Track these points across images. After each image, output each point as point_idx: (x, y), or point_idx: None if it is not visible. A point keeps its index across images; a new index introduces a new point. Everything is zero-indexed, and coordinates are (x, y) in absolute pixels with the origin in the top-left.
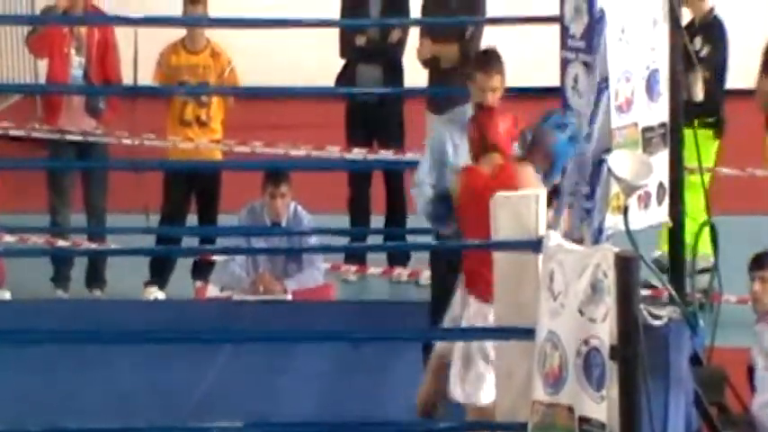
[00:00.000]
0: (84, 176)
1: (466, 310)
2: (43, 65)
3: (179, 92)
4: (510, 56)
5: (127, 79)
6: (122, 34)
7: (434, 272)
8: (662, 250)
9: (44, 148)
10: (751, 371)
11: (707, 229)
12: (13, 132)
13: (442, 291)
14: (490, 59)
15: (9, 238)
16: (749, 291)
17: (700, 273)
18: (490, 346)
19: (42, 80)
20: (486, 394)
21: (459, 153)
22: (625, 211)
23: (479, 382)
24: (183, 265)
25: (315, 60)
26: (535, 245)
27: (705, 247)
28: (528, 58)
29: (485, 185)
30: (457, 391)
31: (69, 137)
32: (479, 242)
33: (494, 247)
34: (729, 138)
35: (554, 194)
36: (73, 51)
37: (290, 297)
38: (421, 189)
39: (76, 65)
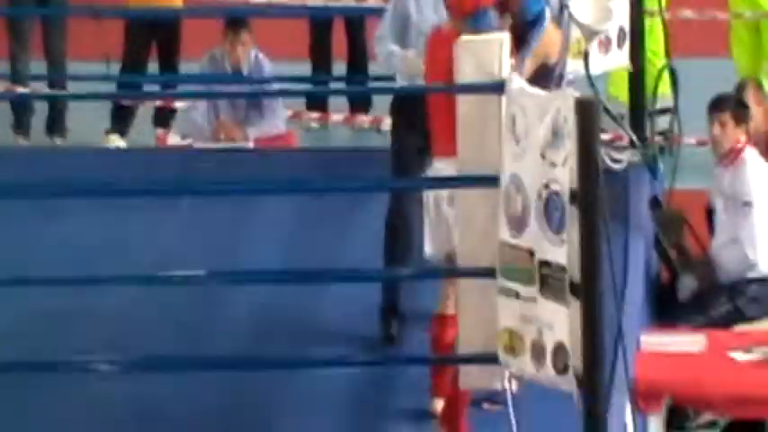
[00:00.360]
0: (44, 23)
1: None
2: None
3: None
4: None
5: None
6: None
7: (394, 127)
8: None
9: None
10: (709, 212)
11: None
12: None
13: (401, 147)
14: None
15: None
16: (708, 133)
17: (660, 113)
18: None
19: None
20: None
21: (422, 8)
22: (586, 55)
23: (449, 233)
24: (145, 114)
25: None
26: (498, 87)
27: (664, 87)
28: None
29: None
30: (427, 246)
31: None
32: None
33: (457, 91)
34: None
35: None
36: None
37: (251, 145)
38: (382, 44)
39: None
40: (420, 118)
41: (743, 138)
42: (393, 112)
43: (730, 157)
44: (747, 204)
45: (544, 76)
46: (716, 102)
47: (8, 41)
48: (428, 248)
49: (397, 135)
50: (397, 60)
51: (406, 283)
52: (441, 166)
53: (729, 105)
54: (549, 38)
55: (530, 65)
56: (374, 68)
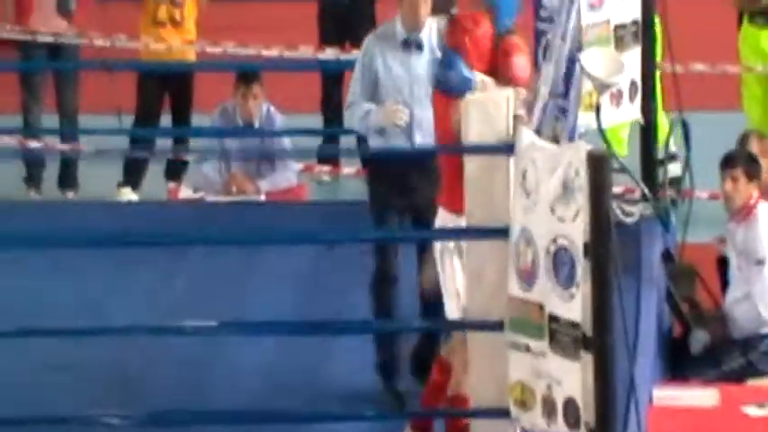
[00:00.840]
0: (56, 77)
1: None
2: None
3: None
4: None
5: None
6: None
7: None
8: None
9: (14, 49)
10: (719, 262)
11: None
12: None
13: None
14: None
15: None
16: (721, 189)
17: (669, 159)
18: None
19: None
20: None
21: (390, 66)
22: (597, 108)
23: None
24: (157, 166)
25: None
26: (507, 148)
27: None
28: None
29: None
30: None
31: (42, 38)
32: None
33: (465, 151)
34: (700, 33)
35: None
36: None
37: (263, 198)
38: (353, 109)
39: None
40: (398, 174)
41: (755, 193)
42: (368, 171)
43: (743, 212)
44: (761, 262)
45: None
46: (728, 158)
47: (21, 95)
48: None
49: (373, 193)
50: (375, 115)
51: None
52: (447, 218)
53: (741, 161)
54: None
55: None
56: None
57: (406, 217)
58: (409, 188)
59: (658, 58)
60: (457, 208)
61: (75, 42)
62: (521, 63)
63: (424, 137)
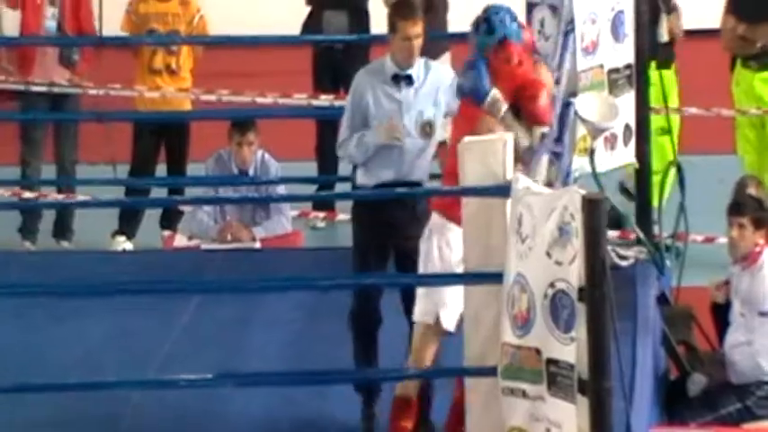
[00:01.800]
0: (56, 129)
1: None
2: (7, 16)
3: (151, 42)
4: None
5: None
6: None
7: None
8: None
9: (11, 99)
10: (713, 308)
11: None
12: None
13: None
14: (411, 5)
15: None
16: (727, 235)
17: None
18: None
19: (5, 32)
20: (443, 316)
21: (380, 100)
22: (592, 153)
23: (440, 303)
24: (152, 215)
25: (281, 7)
26: (503, 189)
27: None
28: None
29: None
30: (415, 310)
31: (37, 88)
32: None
33: (462, 193)
34: (694, 77)
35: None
36: (46, 2)
37: (258, 245)
38: (347, 144)
39: (50, 16)
40: (383, 212)
41: (761, 241)
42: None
43: (749, 260)
44: (764, 314)
45: None
46: (735, 205)
47: (20, 146)
48: (415, 313)
49: (357, 233)
50: (372, 135)
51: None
52: (438, 222)
53: (749, 209)
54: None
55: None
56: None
57: (390, 255)
58: (395, 226)
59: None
60: (450, 214)
61: (76, 93)
62: (544, 103)
63: (411, 169)
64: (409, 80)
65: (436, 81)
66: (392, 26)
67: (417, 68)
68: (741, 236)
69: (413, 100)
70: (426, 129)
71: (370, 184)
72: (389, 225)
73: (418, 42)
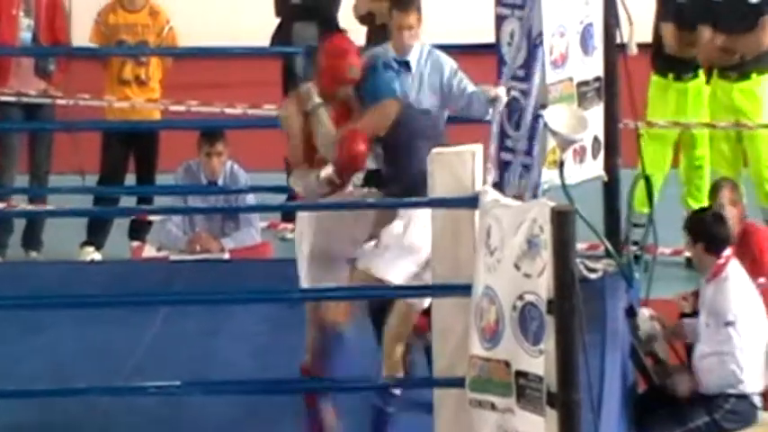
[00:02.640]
0: (31, 138)
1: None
2: None
3: (120, 52)
4: (445, 13)
5: None
6: None
7: None
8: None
9: None
10: (681, 319)
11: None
12: None
13: None
14: None
15: None
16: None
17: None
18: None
19: None
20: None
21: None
22: (561, 165)
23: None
24: (120, 225)
25: (251, 19)
26: (471, 201)
27: (642, 204)
28: (464, 15)
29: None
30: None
31: (7, 98)
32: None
33: (431, 205)
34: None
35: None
36: (21, 14)
37: (227, 256)
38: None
39: (25, 27)
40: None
41: (725, 252)
42: None
43: (713, 272)
44: (729, 324)
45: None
46: (689, 224)
47: None
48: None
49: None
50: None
51: None
52: None
53: (702, 235)
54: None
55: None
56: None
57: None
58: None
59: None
60: None
61: (51, 103)
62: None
63: None
64: (408, 67)
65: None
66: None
67: (416, 56)
68: (696, 254)
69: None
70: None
71: None
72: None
73: (418, 30)
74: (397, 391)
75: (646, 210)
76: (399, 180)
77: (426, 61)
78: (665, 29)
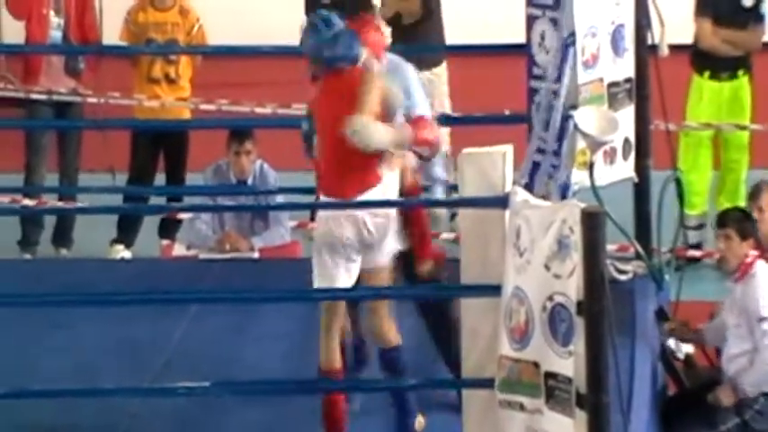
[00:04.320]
0: (60, 137)
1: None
2: (9, 25)
3: (150, 51)
4: (477, 12)
5: None
6: None
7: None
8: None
9: (9, 107)
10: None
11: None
12: None
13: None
14: None
15: None
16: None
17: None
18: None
19: (6, 41)
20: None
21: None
22: (591, 166)
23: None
24: (150, 224)
25: (281, 18)
26: (502, 201)
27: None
28: (495, 14)
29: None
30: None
31: (38, 96)
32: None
33: (461, 204)
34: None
35: None
36: (52, 12)
37: (256, 255)
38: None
39: (55, 26)
40: None
41: (752, 252)
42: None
43: (741, 271)
44: (762, 320)
45: None
46: (720, 217)
47: (26, 154)
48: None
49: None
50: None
51: None
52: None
53: (733, 220)
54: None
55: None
56: None
57: None
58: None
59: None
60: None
61: (79, 102)
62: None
63: None
64: None
65: None
66: None
67: None
68: (728, 247)
69: None
70: None
71: None
72: None
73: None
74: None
75: (696, 211)
76: None
77: None
78: (701, 25)
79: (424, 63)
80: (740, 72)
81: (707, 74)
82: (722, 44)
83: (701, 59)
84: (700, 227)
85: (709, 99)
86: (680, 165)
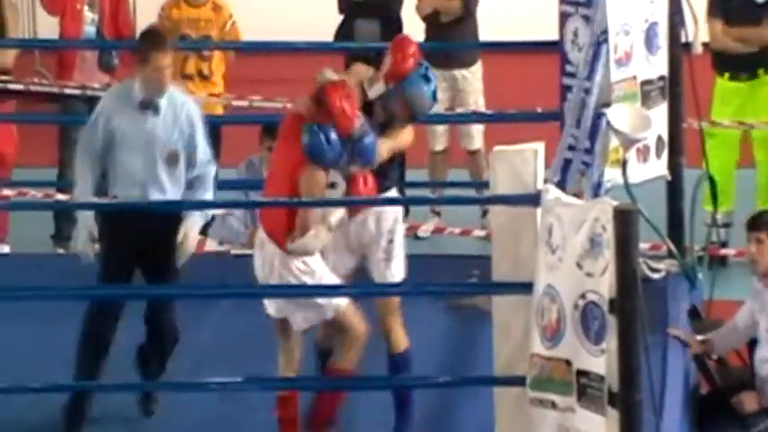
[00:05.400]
0: None
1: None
2: (43, 21)
3: (183, 47)
4: (509, 9)
5: None
6: None
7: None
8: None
9: (42, 102)
10: None
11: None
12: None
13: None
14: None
15: (7, 192)
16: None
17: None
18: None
19: (40, 36)
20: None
21: (124, 120)
22: (624, 164)
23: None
24: None
25: (314, 15)
26: (533, 199)
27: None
28: (527, 11)
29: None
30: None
31: (72, 91)
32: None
33: (492, 202)
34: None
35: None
36: (86, 8)
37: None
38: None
39: (89, 21)
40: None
41: None
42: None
43: None
44: None
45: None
46: (752, 220)
47: (59, 148)
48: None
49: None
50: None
51: None
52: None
53: (766, 223)
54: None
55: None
56: (411, 174)
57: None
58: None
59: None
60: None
61: None
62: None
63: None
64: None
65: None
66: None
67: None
68: (759, 251)
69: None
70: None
71: None
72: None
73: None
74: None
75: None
76: None
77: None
78: (713, 26)
79: (459, 62)
80: (760, 71)
81: (726, 75)
82: (734, 42)
83: (720, 61)
84: (726, 225)
85: (729, 100)
86: (705, 165)
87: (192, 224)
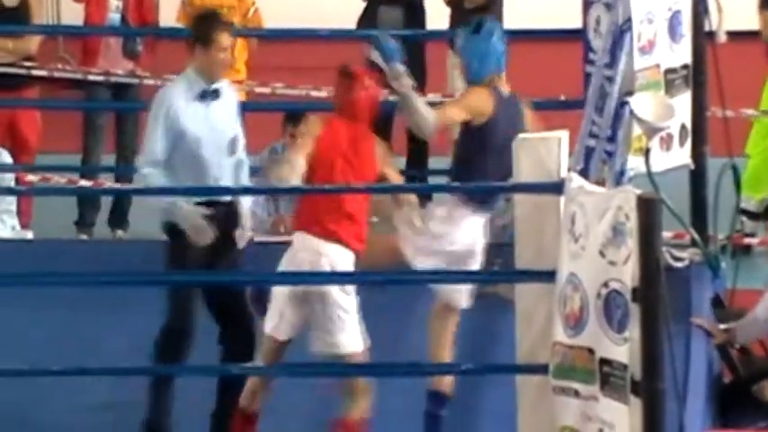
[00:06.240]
0: (118, 118)
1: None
2: (67, 7)
3: None
4: None
5: None
6: None
7: None
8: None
9: (66, 88)
10: None
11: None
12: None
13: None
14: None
15: (32, 177)
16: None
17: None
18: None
19: (65, 23)
20: (348, 340)
21: (190, 115)
22: (647, 152)
23: (337, 329)
24: None
25: (337, 2)
26: (556, 187)
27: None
28: (550, 0)
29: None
30: (316, 344)
31: (95, 78)
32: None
33: (516, 190)
34: (752, 78)
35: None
36: None
37: None
38: (149, 177)
39: (114, 8)
40: None
41: None
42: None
43: None
44: None
45: (471, 135)
46: None
47: (84, 134)
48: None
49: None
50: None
51: None
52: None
53: None
54: (479, 97)
55: (456, 115)
56: (434, 162)
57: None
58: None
59: None
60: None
61: (136, 83)
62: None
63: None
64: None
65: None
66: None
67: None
68: None
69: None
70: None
71: None
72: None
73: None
74: (449, 393)
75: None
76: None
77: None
78: (764, 18)
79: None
80: None
81: None
82: None
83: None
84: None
85: None
86: (748, 150)
87: (247, 210)
